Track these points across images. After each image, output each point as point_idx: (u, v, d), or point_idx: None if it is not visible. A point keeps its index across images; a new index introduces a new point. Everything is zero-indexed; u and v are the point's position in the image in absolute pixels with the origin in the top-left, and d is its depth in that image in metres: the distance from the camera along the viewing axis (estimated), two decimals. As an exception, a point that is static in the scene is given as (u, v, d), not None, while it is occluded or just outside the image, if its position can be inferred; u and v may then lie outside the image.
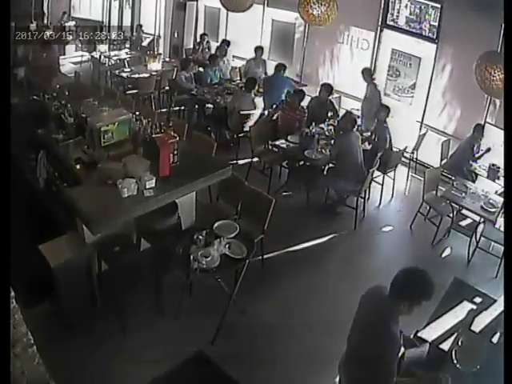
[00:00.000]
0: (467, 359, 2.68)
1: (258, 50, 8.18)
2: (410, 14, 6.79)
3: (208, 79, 7.73)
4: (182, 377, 3.40)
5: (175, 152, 3.88)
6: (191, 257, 3.33)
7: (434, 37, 6.53)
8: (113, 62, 9.43)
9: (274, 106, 7.15)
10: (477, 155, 5.94)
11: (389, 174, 6.00)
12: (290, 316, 4.03)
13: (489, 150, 5.90)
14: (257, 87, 7.15)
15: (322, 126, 6.26)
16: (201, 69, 8.84)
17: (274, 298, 4.18)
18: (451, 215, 5.09)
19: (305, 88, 7.18)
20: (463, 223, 5.24)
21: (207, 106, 7.46)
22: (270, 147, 6.06)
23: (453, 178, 5.52)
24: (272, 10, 8.75)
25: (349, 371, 2.65)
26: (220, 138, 6.80)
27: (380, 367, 2.34)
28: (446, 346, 3.09)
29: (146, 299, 3.90)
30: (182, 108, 7.83)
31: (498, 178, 5.59)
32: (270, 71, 8.43)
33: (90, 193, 3.67)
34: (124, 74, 8.36)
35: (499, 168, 5.60)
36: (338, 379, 2.82)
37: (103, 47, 9.65)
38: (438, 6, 6.37)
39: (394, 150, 5.99)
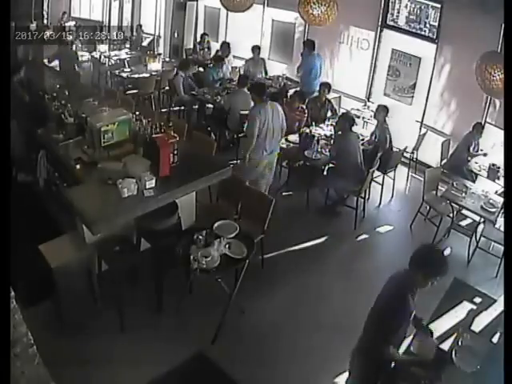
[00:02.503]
0: (467, 359, 2.68)
1: (255, 49, 8.19)
2: (410, 14, 6.78)
3: (210, 79, 7.73)
4: (182, 377, 3.41)
5: (175, 152, 3.88)
6: (191, 257, 3.33)
7: (434, 37, 6.53)
8: (113, 62, 9.41)
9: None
10: (473, 152, 5.94)
11: (389, 174, 6.00)
12: (290, 316, 4.03)
13: (485, 154, 5.97)
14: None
15: (322, 126, 6.27)
16: (201, 69, 8.84)
17: (273, 298, 4.18)
18: (451, 215, 5.08)
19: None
20: (463, 223, 5.24)
21: (207, 105, 7.46)
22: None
23: (453, 178, 5.51)
24: (272, 10, 8.74)
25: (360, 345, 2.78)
26: (220, 138, 6.79)
27: (384, 327, 2.54)
28: (446, 346, 3.10)
29: (146, 299, 3.90)
30: (182, 108, 7.83)
31: (498, 178, 5.58)
32: (270, 70, 8.46)
33: (90, 193, 3.68)
34: (124, 74, 8.35)
35: (499, 168, 5.60)
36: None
37: (103, 47, 9.63)
38: (438, 6, 6.36)
39: (394, 149, 5.99)
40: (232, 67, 8.60)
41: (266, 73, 8.39)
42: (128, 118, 4.31)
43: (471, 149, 5.93)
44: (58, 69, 8.09)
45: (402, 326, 2.55)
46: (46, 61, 8.02)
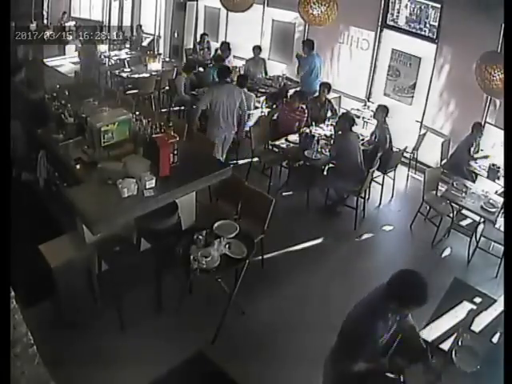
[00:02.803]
0: (467, 359, 2.68)
1: (256, 49, 8.22)
2: (410, 14, 6.78)
3: (210, 79, 7.73)
4: (182, 377, 3.41)
5: (175, 152, 3.88)
6: (191, 257, 3.33)
7: (434, 37, 6.53)
8: (113, 62, 9.42)
9: (274, 106, 7.16)
10: (475, 155, 5.94)
11: (389, 174, 6.00)
12: (289, 316, 4.03)
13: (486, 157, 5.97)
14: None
15: (322, 126, 6.27)
16: (201, 69, 8.84)
17: (273, 298, 4.18)
18: (451, 215, 5.09)
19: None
20: (463, 223, 5.24)
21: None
22: (270, 147, 6.06)
23: (453, 178, 5.51)
24: (272, 10, 8.75)
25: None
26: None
27: (347, 346, 2.47)
28: (446, 346, 3.09)
29: (146, 299, 3.90)
30: (182, 108, 7.83)
31: (498, 178, 5.58)
32: (270, 70, 8.46)
33: (90, 193, 3.68)
34: (124, 74, 8.37)
35: (499, 168, 5.59)
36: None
37: (103, 47, 9.63)
38: (438, 6, 6.36)
39: (394, 149, 5.99)
40: (232, 67, 8.60)
41: (266, 73, 8.40)
42: (128, 118, 4.31)
43: (471, 150, 5.92)
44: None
45: (359, 347, 2.40)
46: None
